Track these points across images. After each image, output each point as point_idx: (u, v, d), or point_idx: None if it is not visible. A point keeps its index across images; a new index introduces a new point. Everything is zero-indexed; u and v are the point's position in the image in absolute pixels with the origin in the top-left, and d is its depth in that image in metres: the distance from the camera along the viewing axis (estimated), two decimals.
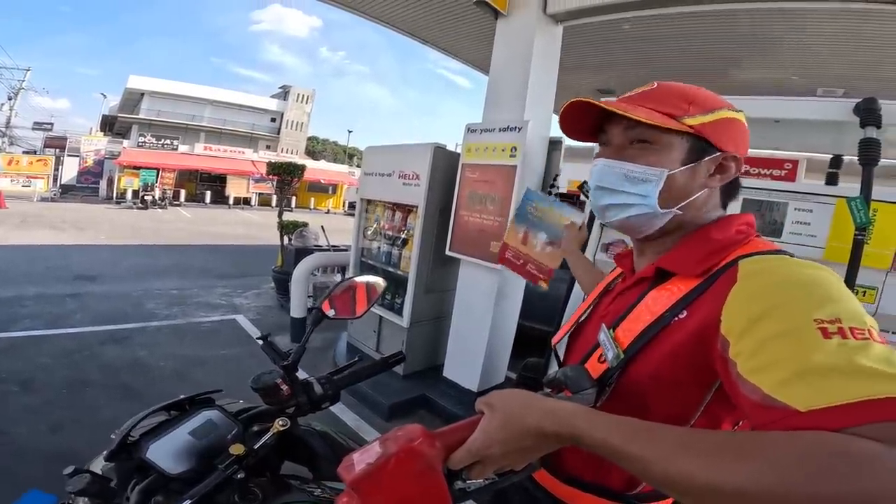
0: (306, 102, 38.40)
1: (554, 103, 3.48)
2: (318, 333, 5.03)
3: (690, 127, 0.71)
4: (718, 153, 0.72)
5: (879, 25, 3.99)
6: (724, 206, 0.79)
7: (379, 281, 1.19)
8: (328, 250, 6.05)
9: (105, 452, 0.89)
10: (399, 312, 3.79)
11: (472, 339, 3.44)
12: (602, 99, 0.75)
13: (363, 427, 3.22)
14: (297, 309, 4.72)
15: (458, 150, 3.60)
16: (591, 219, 2.52)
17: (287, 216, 6.82)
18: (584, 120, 0.79)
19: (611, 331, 0.75)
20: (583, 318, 0.93)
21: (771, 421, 0.47)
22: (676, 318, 0.67)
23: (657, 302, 0.72)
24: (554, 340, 0.97)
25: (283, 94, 38.57)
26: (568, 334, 0.94)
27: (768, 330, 0.52)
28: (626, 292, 0.82)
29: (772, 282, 0.58)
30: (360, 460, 0.58)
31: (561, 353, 0.99)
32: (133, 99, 31.58)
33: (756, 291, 0.58)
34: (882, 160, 2.10)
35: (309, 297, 4.99)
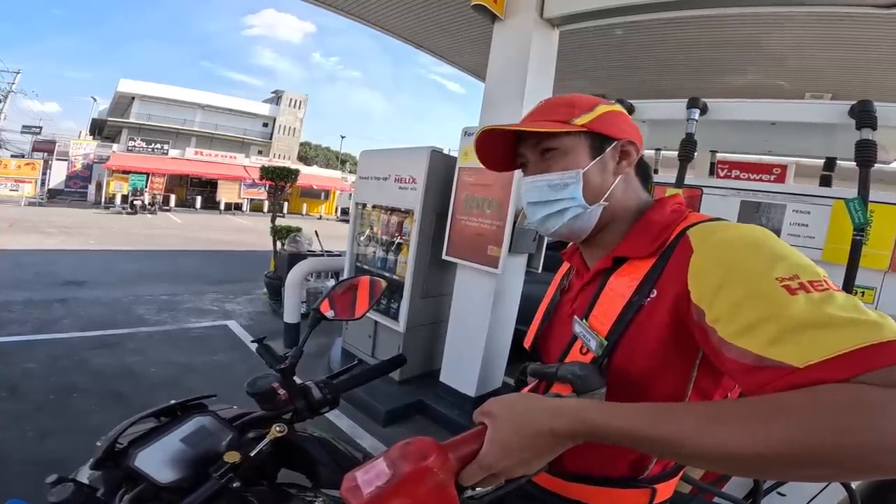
0: (299, 107, 38.40)
1: None
2: (311, 339, 5.03)
3: (582, 126, 0.76)
4: (616, 142, 0.78)
5: (864, 29, 4.04)
6: (647, 189, 0.85)
7: (379, 280, 1.15)
8: (322, 255, 6.00)
9: (91, 461, 0.85)
10: (395, 317, 3.75)
11: (469, 343, 3.40)
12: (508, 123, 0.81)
13: (359, 433, 3.17)
14: (290, 314, 4.65)
15: (453, 154, 3.59)
16: None
17: (279, 221, 6.76)
18: (500, 149, 0.85)
19: (584, 321, 0.76)
20: (546, 318, 0.94)
21: (770, 380, 0.49)
22: (649, 299, 0.69)
23: (621, 285, 0.74)
24: (526, 344, 0.96)
25: (276, 99, 38.57)
26: (537, 336, 0.94)
27: (736, 294, 0.55)
28: (587, 287, 0.83)
29: (725, 245, 0.62)
30: (367, 481, 0.53)
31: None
32: (123, 103, 31.38)
33: (714, 257, 0.61)
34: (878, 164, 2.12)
35: (302, 302, 4.94)
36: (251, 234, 16.45)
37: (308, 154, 55.89)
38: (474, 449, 0.57)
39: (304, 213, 29.74)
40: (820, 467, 0.42)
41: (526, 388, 0.91)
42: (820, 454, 0.42)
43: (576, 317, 0.80)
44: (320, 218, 29.32)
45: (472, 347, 3.38)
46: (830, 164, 3.15)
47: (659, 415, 0.51)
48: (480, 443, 0.57)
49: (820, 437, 0.42)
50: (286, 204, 25.99)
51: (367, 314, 3.81)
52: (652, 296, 0.69)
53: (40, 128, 27.45)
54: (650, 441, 0.50)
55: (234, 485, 0.78)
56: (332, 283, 6.23)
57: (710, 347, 0.58)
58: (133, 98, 30.60)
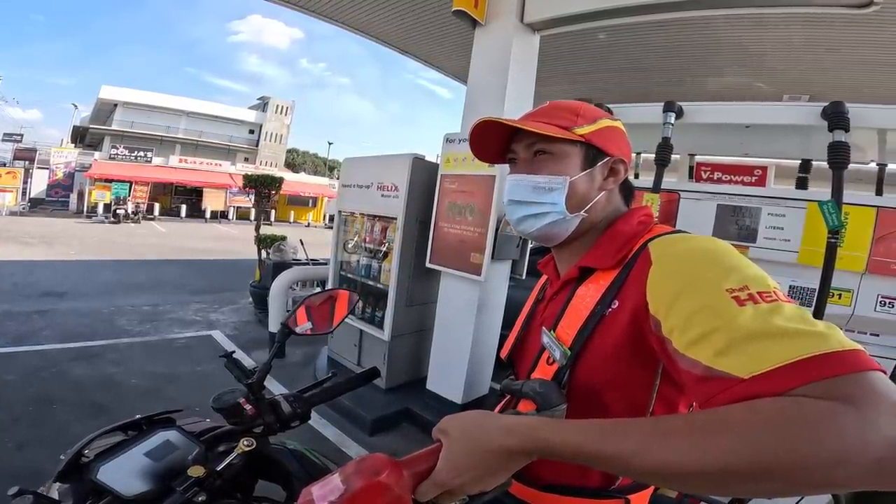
0: (286, 114, 38.15)
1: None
2: (297, 348, 4.94)
3: (582, 136, 0.77)
4: (608, 158, 0.80)
5: (842, 31, 4.13)
6: (628, 205, 0.86)
7: (349, 295, 1.15)
8: (307, 264, 5.96)
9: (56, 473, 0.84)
10: (380, 326, 3.73)
11: (455, 351, 3.39)
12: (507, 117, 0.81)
13: (345, 442, 3.13)
14: (275, 323, 4.61)
15: (439, 161, 3.58)
16: None
17: (266, 230, 6.70)
18: (492, 141, 0.85)
19: (552, 332, 0.78)
20: (522, 329, 0.95)
21: (717, 391, 0.49)
22: (611, 309, 0.70)
23: (586, 296, 0.75)
24: (502, 354, 0.98)
25: (262, 105, 38.25)
26: (513, 346, 0.95)
27: (689, 305, 0.55)
28: (557, 296, 0.85)
29: (681, 258, 0.63)
30: (321, 496, 0.54)
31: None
32: (106, 110, 30.94)
33: (669, 269, 0.63)
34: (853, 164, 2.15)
35: (287, 311, 4.90)
36: (237, 242, 16.26)
37: (296, 161, 55.59)
38: (429, 466, 0.57)
39: (291, 220, 29.53)
40: (767, 482, 0.41)
41: (500, 404, 0.92)
42: (764, 469, 0.41)
43: (543, 327, 0.81)
44: (308, 225, 29.12)
45: (458, 354, 3.37)
46: (806, 166, 3.20)
47: (606, 431, 0.51)
48: (435, 460, 0.57)
49: (761, 451, 0.41)
50: (273, 211, 25.93)
51: (352, 323, 3.74)
52: (613, 306, 0.70)
53: (21, 135, 26.95)
54: (599, 457, 0.50)
55: (200, 499, 0.77)
56: (318, 291, 6.19)
57: (667, 358, 0.59)
58: (115, 105, 30.17)
